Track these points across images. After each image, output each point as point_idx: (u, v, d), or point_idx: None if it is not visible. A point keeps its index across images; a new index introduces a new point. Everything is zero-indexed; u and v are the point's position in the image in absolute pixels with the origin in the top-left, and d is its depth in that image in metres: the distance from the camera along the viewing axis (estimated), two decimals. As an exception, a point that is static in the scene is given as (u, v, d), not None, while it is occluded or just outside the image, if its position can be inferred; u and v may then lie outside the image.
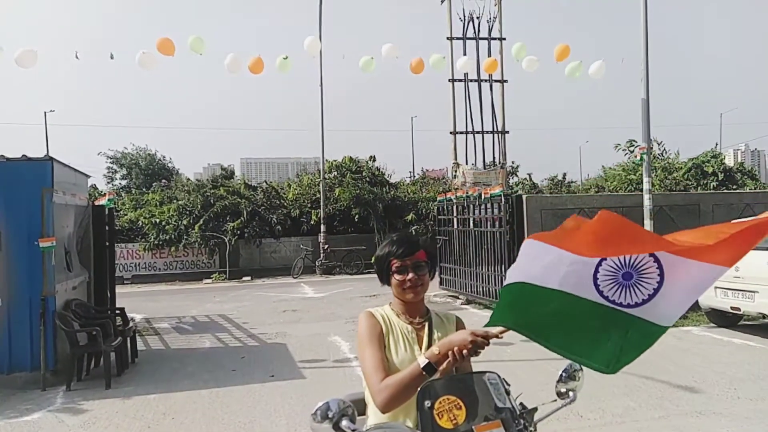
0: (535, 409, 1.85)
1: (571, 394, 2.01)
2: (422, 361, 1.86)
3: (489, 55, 15.16)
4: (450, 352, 1.84)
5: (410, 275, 2.13)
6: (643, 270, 1.81)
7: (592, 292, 1.81)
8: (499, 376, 1.81)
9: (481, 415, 1.67)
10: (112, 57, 12.06)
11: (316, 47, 13.16)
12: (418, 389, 1.70)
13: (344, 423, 1.53)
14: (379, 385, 1.90)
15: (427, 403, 1.65)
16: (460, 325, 2.28)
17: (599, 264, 1.80)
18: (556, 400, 2.02)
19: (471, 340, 1.85)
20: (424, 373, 1.85)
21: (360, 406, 2.28)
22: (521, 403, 1.83)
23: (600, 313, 1.83)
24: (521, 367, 7.07)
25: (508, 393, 1.78)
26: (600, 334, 1.84)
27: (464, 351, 1.84)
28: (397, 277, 2.15)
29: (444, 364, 1.85)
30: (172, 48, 11.43)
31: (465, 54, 15.15)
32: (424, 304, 2.25)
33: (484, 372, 1.81)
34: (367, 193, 20.65)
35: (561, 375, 2.04)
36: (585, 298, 1.81)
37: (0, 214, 6.75)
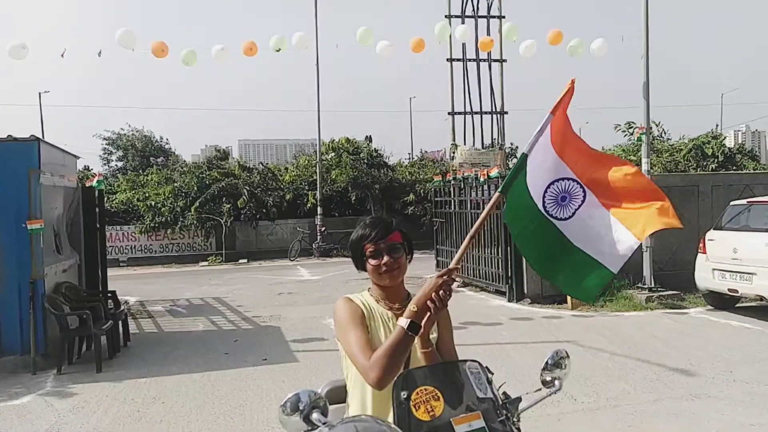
0: (519, 399, 1.76)
1: (556, 382, 1.91)
2: (404, 322, 1.82)
3: (488, 33, 14.92)
4: (428, 302, 1.83)
5: (385, 259, 2.03)
6: (573, 196, 2.24)
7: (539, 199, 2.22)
8: (480, 365, 1.71)
9: (461, 407, 1.58)
10: (99, 54, 11.91)
11: (304, 43, 13.00)
12: (395, 379, 1.60)
13: (315, 416, 1.43)
14: (368, 362, 1.83)
15: (404, 394, 1.56)
16: None
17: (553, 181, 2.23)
18: (541, 389, 1.92)
19: (441, 282, 1.84)
20: (409, 333, 1.80)
21: (341, 394, 2.19)
22: (504, 393, 1.74)
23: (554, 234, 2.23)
24: (516, 349, 7.02)
25: (490, 382, 1.69)
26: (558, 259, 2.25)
27: (440, 292, 1.84)
28: (371, 261, 2.05)
29: (426, 318, 1.84)
30: (165, 51, 11.28)
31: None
32: (404, 288, 2.15)
33: (465, 361, 1.71)
34: (365, 175, 20.51)
35: (546, 363, 1.94)
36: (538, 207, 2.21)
37: (-14, 196, 6.63)
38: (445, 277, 1.85)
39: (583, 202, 2.23)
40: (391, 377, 1.77)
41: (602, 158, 2.34)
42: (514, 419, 1.69)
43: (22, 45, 10.67)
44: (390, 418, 1.94)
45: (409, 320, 1.80)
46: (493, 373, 1.73)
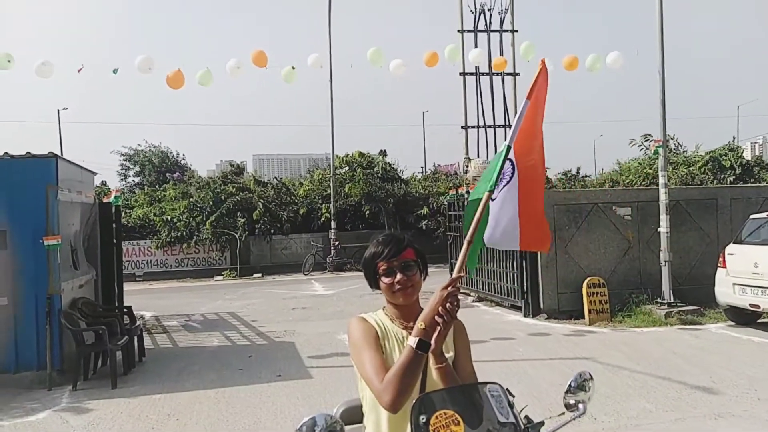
0: (541, 423, 1.70)
1: (581, 406, 1.85)
2: (412, 341, 1.75)
3: (501, 47, 14.97)
4: (436, 317, 1.75)
5: (398, 276, 1.99)
6: (505, 176, 2.27)
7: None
8: (501, 387, 1.66)
9: (481, 431, 1.53)
10: (115, 72, 12.10)
11: (319, 62, 13.12)
12: (412, 403, 1.55)
13: (331, 441, 1.40)
14: (381, 385, 1.78)
15: (422, 418, 1.51)
16: (458, 329, 2.09)
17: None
18: (564, 413, 1.86)
19: (446, 294, 1.76)
20: (419, 352, 1.74)
21: (357, 414, 2.15)
22: (526, 416, 1.68)
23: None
24: (533, 365, 6.91)
25: (511, 405, 1.63)
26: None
27: (447, 305, 1.75)
28: (384, 280, 2.01)
29: (436, 334, 1.75)
30: (181, 81, 11.41)
31: (477, 47, 14.95)
32: (419, 306, 2.10)
33: (485, 383, 1.66)
34: (379, 189, 20.51)
35: (570, 385, 1.88)
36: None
37: (5, 213, 6.71)
38: (449, 289, 1.77)
39: (508, 182, 2.27)
40: (405, 399, 1.73)
41: (541, 150, 2.34)
42: (537, 444, 1.64)
43: (44, 62, 10.88)
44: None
45: (417, 338, 1.74)
46: (514, 396, 1.68)
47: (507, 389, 1.67)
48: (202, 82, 11.54)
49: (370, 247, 2.06)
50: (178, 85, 11.20)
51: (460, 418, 1.52)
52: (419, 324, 1.76)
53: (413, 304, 2.07)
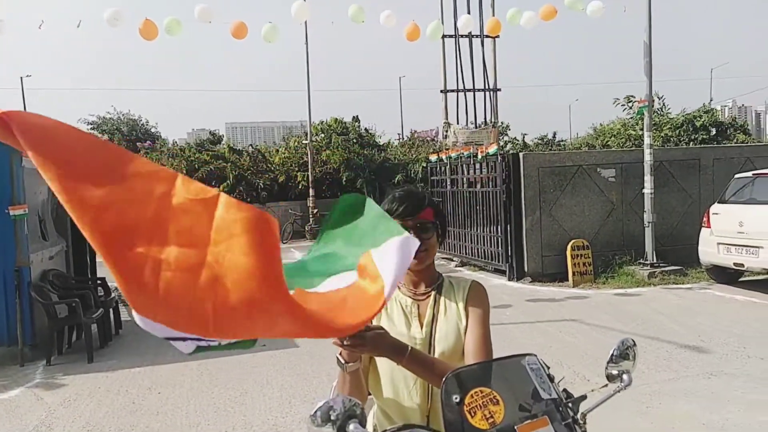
0: (583, 397, 1.52)
1: (625, 376, 1.68)
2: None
3: (480, 6, 14.58)
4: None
5: None
6: None
7: None
8: (538, 359, 1.47)
9: (523, 410, 1.34)
10: (78, 26, 11.42)
11: (303, 14, 12.41)
12: (443, 380, 1.35)
13: (351, 427, 1.19)
14: None
15: (456, 398, 1.31)
16: (474, 291, 1.86)
17: None
18: (607, 385, 1.69)
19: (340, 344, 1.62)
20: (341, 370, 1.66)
21: None
22: (565, 390, 1.50)
23: None
24: (521, 329, 6.83)
25: (551, 379, 1.44)
26: None
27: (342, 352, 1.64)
28: None
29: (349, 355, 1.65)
30: (155, 32, 10.75)
31: (456, 7, 14.53)
32: (434, 270, 1.90)
33: (523, 355, 1.45)
34: (357, 156, 20.16)
35: (612, 354, 1.70)
36: None
37: (-35, 181, 6.30)
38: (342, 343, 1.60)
39: None
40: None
41: None
42: (581, 421, 1.46)
43: None
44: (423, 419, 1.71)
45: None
46: (549, 367, 1.49)
47: (542, 361, 1.48)
48: (169, 31, 10.87)
49: (384, 203, 1.81)
50: (150, 36, 10.57)
51: (499, 397, 1.33)
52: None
53: (426, 269, 1.86)
